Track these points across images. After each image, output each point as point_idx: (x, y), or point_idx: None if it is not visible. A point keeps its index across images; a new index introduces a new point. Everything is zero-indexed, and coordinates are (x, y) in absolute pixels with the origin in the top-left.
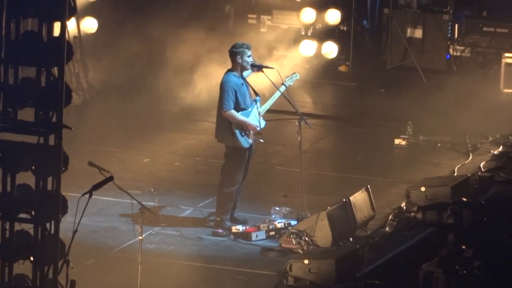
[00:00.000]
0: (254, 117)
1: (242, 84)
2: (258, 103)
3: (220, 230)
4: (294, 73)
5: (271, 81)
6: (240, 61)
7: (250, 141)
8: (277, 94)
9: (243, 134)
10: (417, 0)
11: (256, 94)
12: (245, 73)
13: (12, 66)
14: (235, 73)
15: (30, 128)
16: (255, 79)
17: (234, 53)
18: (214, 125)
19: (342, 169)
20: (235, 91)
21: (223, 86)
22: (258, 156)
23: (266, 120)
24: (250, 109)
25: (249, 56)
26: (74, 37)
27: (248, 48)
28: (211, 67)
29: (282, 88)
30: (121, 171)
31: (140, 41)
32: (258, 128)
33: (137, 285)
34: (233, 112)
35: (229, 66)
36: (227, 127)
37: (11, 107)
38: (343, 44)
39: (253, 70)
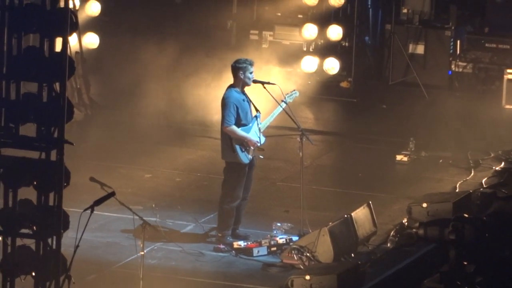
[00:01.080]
0: (255, 133)
1: (244, 100)
2: (258, 119)
3: (221, 246)
4: (294, 90)
5: (273, 98)
6: (242, 76)
7: (250, 157)
8: (277, 111)
9: (243, 149)
10: (419, 16)
11: (257, 110)
12: None
13: (13, 82)
14: (236, 88)
15: (31, 143)
16: (254, 95)
17: (237, 68)
18: (215, 141)
19: (344, 185)
20: (236, 107)
21: (224, 101)
22: (259, 172)
23: (268, 136)
24: (250, 124)
25: (251, 72)
26: (76, 52)
27: (251, 64)
28: (215, 82)
29: (282, 105)
30: (122, 187)
31: (141, 57)
32: (259, 144)
33: None
34: (234, 127)
35: (232, 81)
36: (227, 143)
37: (12, 122)
38: (345, 60)
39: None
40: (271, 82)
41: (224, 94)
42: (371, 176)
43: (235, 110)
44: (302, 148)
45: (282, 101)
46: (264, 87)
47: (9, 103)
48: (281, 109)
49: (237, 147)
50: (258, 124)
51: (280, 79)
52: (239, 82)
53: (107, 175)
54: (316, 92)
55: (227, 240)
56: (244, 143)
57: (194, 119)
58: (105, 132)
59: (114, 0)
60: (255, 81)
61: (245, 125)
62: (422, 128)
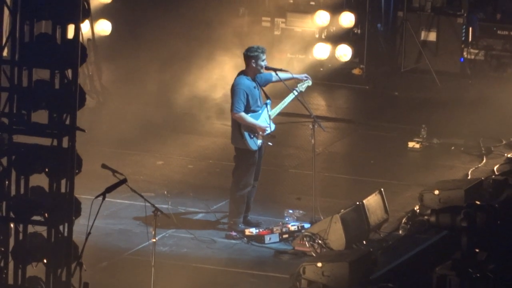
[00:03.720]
0: (264, 120)
1: (254, 87)
2: (268, 106)
3: (233, 233)
4: (307, 78)
5: (286, 85)
6: (254, 65)
7: (259, 143)
8: (289, 99)
9: (252, 136)
10: (431, 3)
11: (267, 97)
12: None
13: (26, 68)
14: (248, 76)
15: (43, 130)
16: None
17: (249, 57)
18: (226, 127)
19: (356, 172)
20: (246, 94)
21: (235, 88)
22: (271, 159)
23: (280, 123)
24: (260, 111)
25: (263, 60)
26: (88, 39)
27: (263, 52)
28: (226, 69)
29: (294, 93)
30: (134, 174)
31: (154, 43)
32: (268, 129)
33: None
34: (243, 114)
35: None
36: (237, 129)
37: (24, 109)
38: (357, 47)
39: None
40: (283, 69)
41: (235, 80)
42: (383, 163)
43: (245, 97)
44: (314, 135)
45: (294, 89)
46: (277, 74)
47: (21, 90)
48: (292, 97)
49: (246, 133)
50: (268, 111)
51: (292, 66)
52: (251, 70)
53: (118, 162)
54: (328, 79)
55: (238, 227)
56: (253, 130)
57: (207, 106)
58: (117, 119)
59: None
60: (267, 68)
61: (254, 111)
62: (434, 115)
